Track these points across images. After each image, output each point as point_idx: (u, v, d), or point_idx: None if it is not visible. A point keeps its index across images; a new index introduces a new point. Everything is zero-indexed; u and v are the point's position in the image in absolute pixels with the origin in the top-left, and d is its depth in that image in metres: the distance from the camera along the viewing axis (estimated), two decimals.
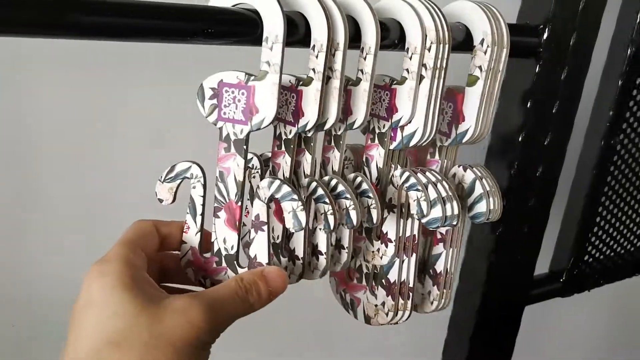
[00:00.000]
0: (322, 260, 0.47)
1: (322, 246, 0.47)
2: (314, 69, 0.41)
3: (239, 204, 0.43)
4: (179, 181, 0.44)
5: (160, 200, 0.45)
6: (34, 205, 0.70)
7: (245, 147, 0.42)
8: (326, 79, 0.41)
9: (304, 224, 0.42)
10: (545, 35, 0.55)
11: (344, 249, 0.48)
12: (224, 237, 0.44)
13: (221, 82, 0.41)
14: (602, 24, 0.60)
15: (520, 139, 0.59)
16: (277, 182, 0.42)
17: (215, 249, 0.45)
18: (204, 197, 0.44)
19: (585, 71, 0.60)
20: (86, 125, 0.69)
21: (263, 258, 0.44)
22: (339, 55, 0.41)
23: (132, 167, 0.72)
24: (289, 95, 0.43)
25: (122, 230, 0.44)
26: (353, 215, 0.44)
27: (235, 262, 0.45)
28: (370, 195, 0.45)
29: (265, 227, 0.44)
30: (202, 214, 0.45)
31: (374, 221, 0.45)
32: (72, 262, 0.73)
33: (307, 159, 0.46)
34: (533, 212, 0.66)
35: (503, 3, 0.53)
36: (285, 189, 0.42)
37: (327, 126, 0.43)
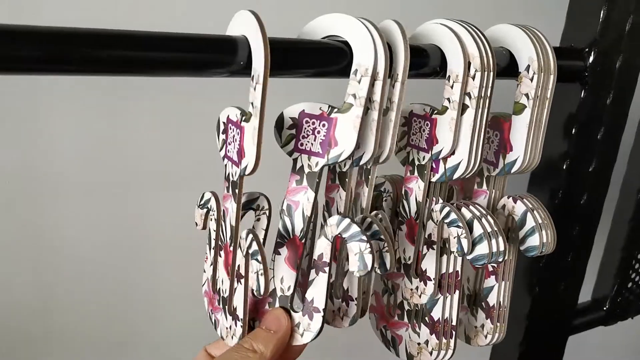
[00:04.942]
0: (353, 306, 0.45)
1: (354, 291, 0.44)
2: (354, 95, 0.38)
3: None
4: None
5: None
6: (51, 234, 0.69)
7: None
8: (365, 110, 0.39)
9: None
10: (590, 59, 0.52)
11: (353, 300, 0.45)
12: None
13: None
14: None
15: (564, 166, 0.56)
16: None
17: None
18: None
19: (631, 95, 0.57)
20: (104, 157, 0.68)
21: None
22: (378, 85, 0.38)
23: (151, 198, 0.71)
24: (318, 124, 0.40)
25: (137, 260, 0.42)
26: (387, 258, 0.40)
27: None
28: (382, 237, 0.41)
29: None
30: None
31: (387, 267, 0.41)
32: (92, 290, 0.72)
33: (341, 196, 0.43)
34: (577, 240, 0.63)
35: (546, 25, 0.51)
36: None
37: (363, 161, 0.40)
